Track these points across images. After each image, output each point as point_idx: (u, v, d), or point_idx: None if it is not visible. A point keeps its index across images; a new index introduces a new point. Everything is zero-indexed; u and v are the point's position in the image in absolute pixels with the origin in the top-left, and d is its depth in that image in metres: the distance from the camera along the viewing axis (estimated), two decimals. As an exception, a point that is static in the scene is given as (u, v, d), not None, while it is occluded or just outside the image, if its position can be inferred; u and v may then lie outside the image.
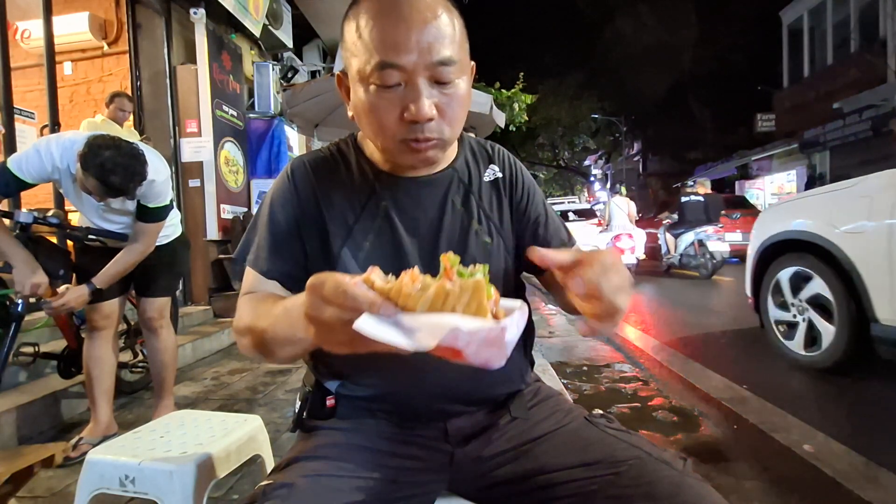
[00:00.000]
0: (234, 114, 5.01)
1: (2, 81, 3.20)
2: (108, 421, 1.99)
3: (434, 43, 0.61)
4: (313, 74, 7.22)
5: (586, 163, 30.01)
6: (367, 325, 0.43)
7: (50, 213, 1.99)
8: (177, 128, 4.51)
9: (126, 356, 2.55)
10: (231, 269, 4.59)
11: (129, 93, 4.05)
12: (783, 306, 2.86)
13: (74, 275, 2.04)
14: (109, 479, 1.02)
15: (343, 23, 0.67)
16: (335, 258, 0.72)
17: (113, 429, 2.00)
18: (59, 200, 3.42)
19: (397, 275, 0.72)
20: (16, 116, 3.33)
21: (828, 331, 2.54)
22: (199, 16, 4.45)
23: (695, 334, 3.79)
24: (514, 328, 0.44)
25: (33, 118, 3.64)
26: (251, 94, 5.42)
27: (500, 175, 0.82)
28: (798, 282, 2.75)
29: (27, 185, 1.70)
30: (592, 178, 30.01)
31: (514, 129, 8.80)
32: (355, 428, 0.72)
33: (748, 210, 9.80)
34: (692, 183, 7.73)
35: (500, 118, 5.38)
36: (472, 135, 0.93)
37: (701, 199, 7.24)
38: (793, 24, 14.50)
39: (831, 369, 2.53)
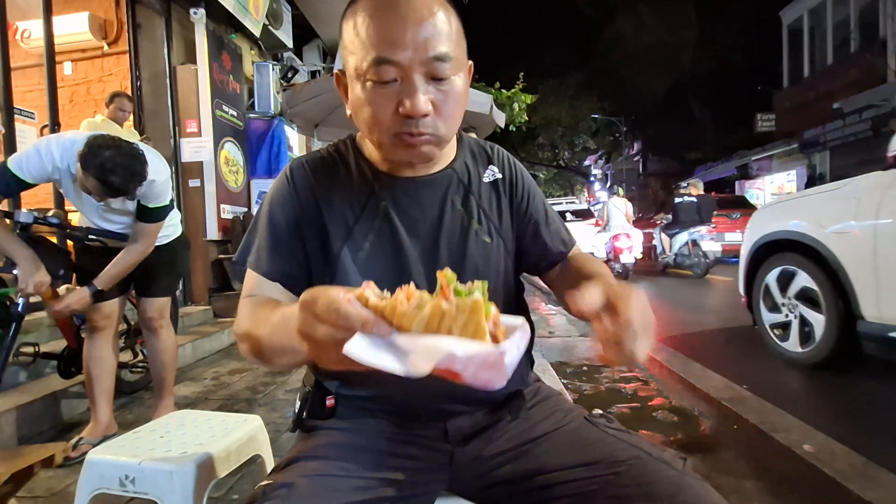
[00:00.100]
0: (234, 114, 5.01)
1: (2, 81, 3.21)
2: (108, 421, 1.99)
3: (430, 39, 0.61)
4: (313, 74, 7.23)
5: (586, 163, 30.01)
6: (357, 349, 0.42)
7: (50, 213, 1.99)
8: (177, 128, 4.51)
9: (126, 356, 2.55)
10: (231, 269, 4.59)
11: (129, 93, 4.05)
12: (774, 305, 2.92)
13: (74, 275, 2.04)
14: (109, 479, 1.02)
15: (341, 22, 0.67)
16: (335, 258, 0.72)
17: (113, 429, 2.00)
18: (59, 200, 3.42)
19: (397, 275, 0.73)
20: (16, 116, 3.33)
21: (819, 323, 2.59)
22: (199, 16, 4.45)
23: (691, 332, 3.85)
24: (514, 350, 0.43)
25: (33, 118, 3.64)
26: (251, 94, 5.42)
27: (499, 176, 0.82)
28: (789, 281, 2.81)
29: (27, 185, 1.70)
30: (592, 178, 30.01)
31: (514, 129, 8.81)
32: (355, 428, 0.72)
33: (748, 210, 9.79)
34: (685, 184, 7.95)
35: (500, 118, 5.38)
36: (473, 135, 0.93)
37: (694, 199, 7.47)
38: (793, 24, 14.50)
39: (820, 365, 2.59)
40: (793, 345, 2.79)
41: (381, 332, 0.44)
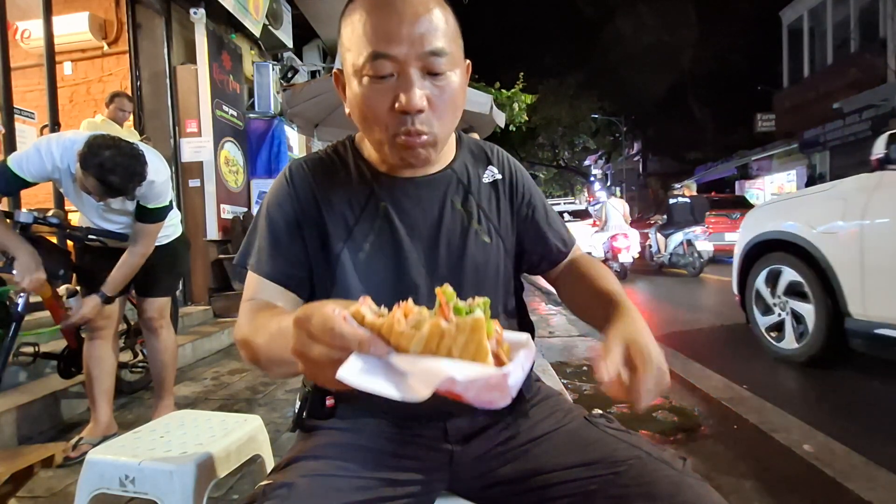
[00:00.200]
0: (234, 114, 5.01)
1: (2, 81, 3.21)
2: (108, 421, 1.99)
3: (426, 34, 0.61)
4: (313, 74, 7.23)
5: (586, 163, 30.00)
6: (351, 374, 0.40)
7: (50, 213, 1.99)
8: (177, 128, 4.51)
9: (126, 356, 2.55)
10: (231, 269, 4.59)
11: (129, 93, 4.05)
12: (766, 303, 3.00)
13: (74, 275, 2.04)
14: (109, 479, 1.02)
15: (340, 21, 0.68)
16: (335, 259, 0.72)
17: (113, 429, 2.00)
18: (59, 200, 3.42)
19: (397, 276, 0.73)
20: (16, 116, 3.33)
21: (809, 321, 2.66)
22: (199, 16, 4.45)
23: (689, 329, 3.95)
24: (518, 371, 0.41)
25: (33, 118, 3.64)
26: (251, 94, 5.42)
27: (499, 177, 0.82)
28: (779, 280, 2.89)
29: (27, 184, 1.70)
30: (592, 178, 29.98)
31: (514, 129, 8.81)
32: (355, 428, 0.72)
33: (748, 210, 9.80)
34: (678, 186, 8.38)
35: (500, 118, 5.38)
36: (475, 135, 0.94)
37: (688, 200, 7.81)
38: (793, 24, 14.49)
39: (810, 362, 2.68)
40: (783, 342, 2.86)
41: (378, 351, 0.42)
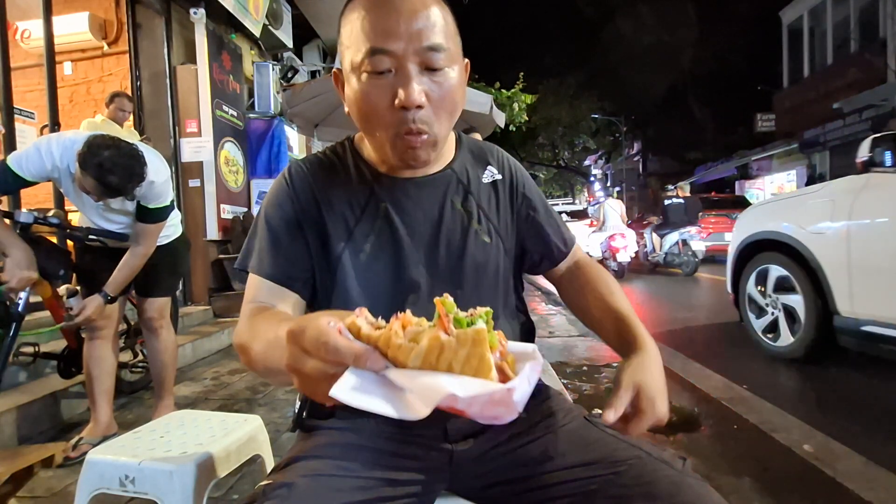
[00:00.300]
0: (234, 114, 5.01)
1: (2, 81, 3.20)
2: (108, 421, 1.99)
3: (424, 30, 0.62)
4: (313, 74, 7.23)
5: (586, 163, 30.00)
6: (345, 392, 0.38)
7: (50, 213, 1.99)
8: (177, 128, 4.51)
9: (126, 356, 2.55)
10: (231, 269, 4.59)
11: (129, 93, 4.05)
12: (758, 302, 3.08)
13: (75, 275, 2.04)
14: (109, 479, 1.02)
15: (339, 20, 0.68)
16: (336, 260, 0.72)
17: (113, 429, 2.00)
18: (60, 200, 3.42)
19: (397, 276, 0.73)
20: (16, 116, 3.33)
21: (799, 320, 2.73)
22: (199, 16, 4.45)
23: (687, 327, 4.01)
24: (524, 385, 0.38)
25: (33, 118, 3.64)
26: (251, 94, 5.42)
27: (498, 177, 0.82)
28: (773, 279, 2.95)
29: (27, 183, 1.70)
30: (592, 178, 30.01)
31: (514, 129, 8.81)
32: (355, 428, 0.72)
33: (747, 210, 9.84)
34: (672, 188, 8.68)
35: (500, 118, 5.38)
36: (477, 135, 0.94)
37: (682, 201, 8.13)
38: (793, 24, 14.49)
39: (801, 359, 2.75)
40: (774, 339, 2.94)
41: (375, 366, 0.40)
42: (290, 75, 6.16)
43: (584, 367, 2.92)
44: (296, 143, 5.97)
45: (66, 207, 3.25)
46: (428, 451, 0.71)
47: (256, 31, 5.27)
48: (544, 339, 3.69)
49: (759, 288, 3.06)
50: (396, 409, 0.38)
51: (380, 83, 0.63)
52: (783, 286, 2.85)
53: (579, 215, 12.32)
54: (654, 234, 8.11)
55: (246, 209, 5.13)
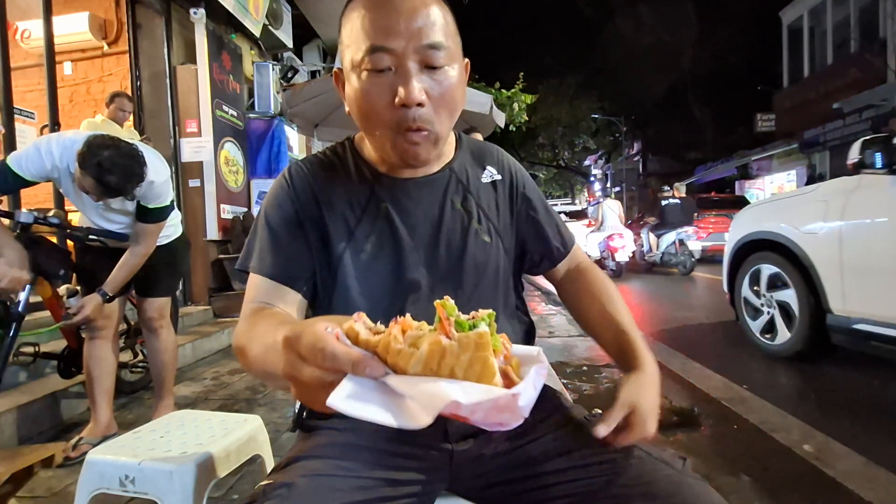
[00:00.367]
0: (234, 114, 5.01)
1: (2, 81, 3.20)
2: (108, 421, 1.99)
3: (424, 28, 0.62)
4: (313, 74, 7.23)
5: (586, 163, 29.99)
6: (343, 400, 0.37)
7: (50, 213, 1.99)
8: (177, 128, 4.51)
9: (126, 356, 2.55)
10: (231, 268, 4.59)
11: (129, 93, 4.05)
12: (754, 302, 3.15)
13: (75, 275, 2.04)
14: (109, 479, 1.02)
15: (340, 20, 0.68)
16: (337, 260, 0.72)
17: (113, 429, 2.00)
18: (60, 200, 3.42)
19: (398, 276, 0.73)
20: (16, 116, 3.33)
21: (793, 318, 2.80)
22: (199, 16, 4.45)
23: (682, 326, 4.09)
24: (530, 390, 0.37)
25: (33, 118, 3.64)
26: (251, 94, 5.42)
27: (498, 177, 0.82)
28: (767, 279, 3.02)
29: (27, 183, 1.70)
30: (592, 178, 30.00)
31: (514, 129, 8.81)
32: (355, 427, 0.71)
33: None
34: (667, 188, 8.65)
35: (500, 118, 5.38)
36: (478, 135, 0.94)
37: (678, 202, 8.10)
38: (793, 24, 14.49)
39: (796, 356, 2.82)
40: (769, 338, 3.00)
41: (374, 372, 0.39)
42: (290, 75, 6.16)
43: (584, 367, 2.92)
44: (296, 143, 5.97)
45: (66, 207, 3.25)
46: (428, 451, 0.71)
47: (256, 31, 5.27)
48: (544, 339, 3.68)
49: (753, 288, 3.12)
50: (396, 417, 0.37)
51: (380, 81, 0.63)
52: (775, 284, 2.92)
53: (577, 215, 12.37)
54: (651, 234, 8.23)
55: (246, 209, 5.13)
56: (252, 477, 1.59)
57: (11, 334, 1.73)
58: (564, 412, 0.75)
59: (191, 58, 4.57)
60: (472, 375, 0.37)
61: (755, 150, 15.69)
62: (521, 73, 9.05)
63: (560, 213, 11.79)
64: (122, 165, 1.62)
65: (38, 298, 1.98)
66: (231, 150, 4.96)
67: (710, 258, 8.85)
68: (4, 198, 2.72)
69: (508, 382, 0.39)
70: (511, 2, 25.46)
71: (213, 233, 4.61)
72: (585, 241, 8.63)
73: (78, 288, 2.01)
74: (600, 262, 7.91)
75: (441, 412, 0.36)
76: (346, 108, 0.71)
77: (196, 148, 4.54)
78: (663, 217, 8.08)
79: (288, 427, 1.56)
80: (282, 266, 0.71)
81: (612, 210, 8.23)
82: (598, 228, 8.32)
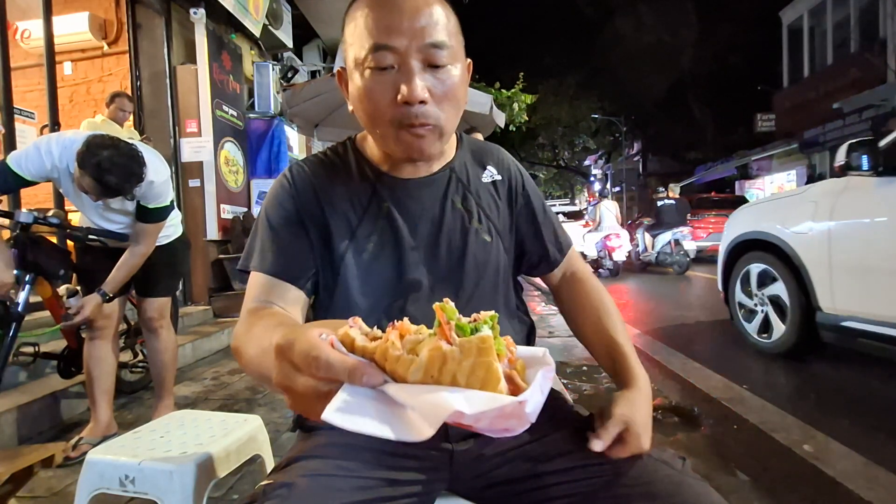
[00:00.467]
0: (234, 114, 5.01)
1: (2, 81, 3.21)
2: (108, 421, 1.99)
3: (427, 27, 0.62)
4: (313, 74, 7.23)
5: (586, 163, 29.98)
6: (339, 414, 0.35)
7: (50, 213, 1.99)
8: (177, 128, 4.51)
9: (126, 356, 2.55)
10: (231, 269, 4.59)
11: (129, 93, 4.05)
12: (747, 302, 3.22)
13: (75, 275, 2.04)
14: (109, 479, 1.02)
15: (343, 20, 0.68)
16: (339, 259, 0.72)
17: (113, 429, 2.00)
18: (59, 200, 3.42)
19: (399, 275, 0.73)
20: (16, 116, 3.33)
21: (784, 316, 2.87)
22: (199, 16, 4.45)
23: (679, 324, 4.14)
24: (537, 395, 0.35)
25: (33, 118, 3.64)
26: (251, 94, 5.42)
27: (498, 177, 0.82)
28: (761, 277, 3.09)
29: (27, 183, 1.70)
30: (592, 178, 29.99)
31: (514, 129, 8.82)
32: (355, 427, 0.72)
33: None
34: (662, 189, 8.87)
35: (500, 118, 5.38)
36: (479, 135, 0.94)
37: (673, 202, 8.35)
38: (793, 24, 14.49)
39: (787, 353, 2.89)
40: (767, 336, 3.04)
41: (372, 381, 0.37)
42: (290, 75, 6.17)
43: (584, 367, 2.92)
44: (296, 143, 5.97)
45: (66, 207, 3.25)
46: (428, 450, 0.71)
47: (256, 31, 5.27)
48: (544, 339, 3.68)
49: (746, 289, 3.19)
50: (396, 430, 0.36)
51: (383, 79, 0.63)
52: (764, 281, 3.00)
53: (575, 216, 12.47)
54: (647, 234, 8.42)
55: (246, 209, 5.13)
56: (252, 477, 1.59)
57: (11, 334, 1.73)
58: (565, 412, 0.75)
59: (191, 58, 4.57)
60: (475, 382, 0.35)
61: (755, 150, 15.70)
62: (521, 73, 9.07)
63: (558, 213, 11.91)
64: (120, 165, 1.61)
65: (38, 298, 1.98)
66: (231, 150, 4.96)
67: (708, 258, 8.89)
68: (4, 198, 2.72)
69: (514, 388, 0.37)
70: (511, 2, 25.48)
71: (213, 233, 4.61)
72: (582, 241, 8.81)
73: (78, 288, 2.01)
74: (597, 262, 8.05)
75: (445, 421, 0.34)
76: (350, 107, 0.71)
77: (196, 148, 4.54)
78: (659, 217, 8.28)
79: (288, 427, 1.56)
80: (283, 263, 0.71)
81: (610, 211, 8.40)
82: (596, 228, 8.51)
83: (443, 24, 0.64)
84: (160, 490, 0.98)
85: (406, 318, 0.42)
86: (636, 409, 0.65)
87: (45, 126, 3.64)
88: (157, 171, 1.80)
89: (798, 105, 13.97)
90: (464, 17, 0.70)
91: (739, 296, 3.25)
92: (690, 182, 18.84)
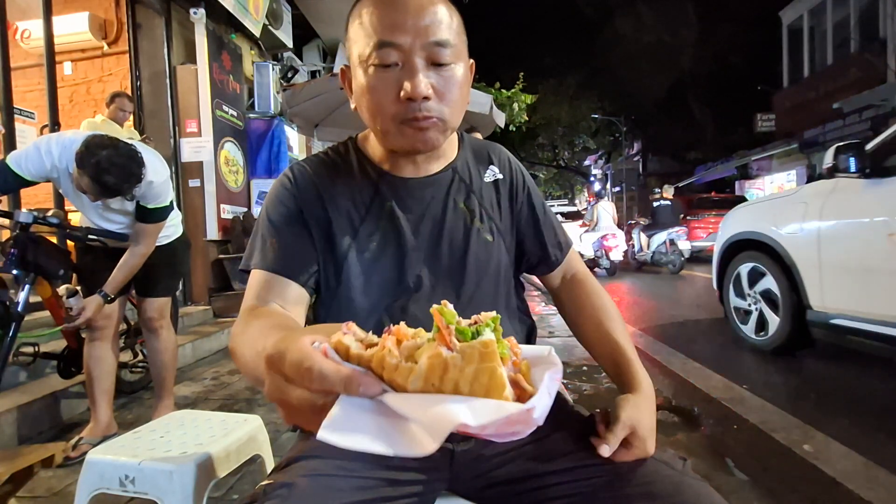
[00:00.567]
0: (234, 114, 5.01)
1: (2, 81, 3.21)
2: (108, 421, 1.99)
3: (431, 25, 0.63)
4: (313, 74, 7.22)
5: (586, 163, 29.98)
6: (335, 432, 0.33)
7: (50, 213, 1.99)
8: (177, 128, 4.51)
9: (126, 356, 2.55)
10: (231, 268, 4.59)
11: (129, 93, 4.05)
12: (741, 305, 3.31)
13: (75, 275, 2.04)
14: (109, 479, 1.02)
15: (347, 19, 0.69)
16: (342, 258, 0.72)
17: (113, 429, 2.00)
18: (59, 200, 3.42)
19: (400, 275, 0.73)
20: (16, 116, 3.33)
21: (777, 314, 2.94)
22: (199, 16, 4.45)
23: (678, 323, 4.19)
24: (545, 399, 0.34)
25: (33, 118, 3.65)
26: (251, 94, 5.43)
27: (500, 176, 0.82)
28: (753, 276, 3.17)
29: (26, 183, 1.70)
30: (592, 178, 29.97)
31: (514, 129, 8.83)
32: (356, 427, 0.71)
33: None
34: (657, 190, 9.03)
35: (500, 118, 5.37)
36: (478, 135, 0.94)
37: (668, 203, 8.51)
38: (793, 24, 14.49)
39: (779, 350, 2.97)
40: (756, 333, 3.14)
41: (369, 391, 0.35)
42: (290, 75, 6.17)
43: (584, 367, 2.92)
44: (296, 143, 5.97)
45: (66, 207, 3.25)
46: (428, 451, 0.71)
47: (256, 31, 5.27)
48: (544, 339, 3.68)
49: (740, 290, 3.26)
50: (397, 445, 0.33)
51: (386, 76, 0.64)
52: (755, 278, 3.10)
53: (572, 216, 12.57)
54: (643, 234, 8.58)
55: (246, 209, 5.13)
56: (252, 477, 1.59)
57: (11, 334, 1.73)
58: (565, 412, 0.75)
59: (191, 58, 4.57)
60: (479, 389, 0.33)
61: (755, 150, 15.69)
62: (521, 73, 9.07)
63: (556, 213, 11.98)
64: (119, 165, 1.61)
65: (38, 298, 1.98)
66: (231, 150, 4.96)
67: (708, 258, 8.90)
68: (4, 198, 2.73)
69: (520, 392, 0.35)
70: (511, 2, 25.48)
71: (213, 233, 4.61)
72: (580, 241, 8.94)
73: (78, 288, 2.01)
74: (594, 261, 8.15)
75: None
76: (352, 105, 0.72)
77: (196, 148, 4.54)
78: (655, 218, 8.47)
79: (288, 427, 1.56)
80: (283, 259, 0.71)
81: (607, 211, 8.58)
82: (593, 229, 8.68)
83: (447, 23, 0.65)
84: (160, 490, 0.98)
85: (406, 319, 0.42)
86: (642, 413, 0.66)
87: (45, 126, 3.64)
88: (156, 171, 1.80)
89: (798, 105, 13.97)
90: (464, 18, 0.70)
91: (734, 300, 3.33)
92: (690, 182, 18.85)
